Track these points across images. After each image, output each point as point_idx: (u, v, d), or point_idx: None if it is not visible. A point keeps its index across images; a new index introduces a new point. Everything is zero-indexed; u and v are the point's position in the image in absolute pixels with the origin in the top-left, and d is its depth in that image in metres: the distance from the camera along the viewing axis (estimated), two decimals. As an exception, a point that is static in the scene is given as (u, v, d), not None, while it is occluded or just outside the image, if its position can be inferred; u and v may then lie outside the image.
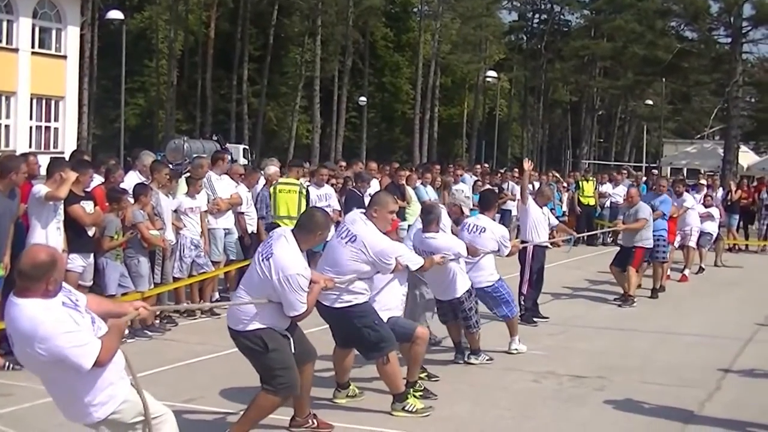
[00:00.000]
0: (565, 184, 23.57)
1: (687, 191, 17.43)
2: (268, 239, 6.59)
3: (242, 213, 12.77)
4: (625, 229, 13.88)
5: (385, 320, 7.35)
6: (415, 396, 7.63)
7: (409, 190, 15.69)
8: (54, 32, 37.36)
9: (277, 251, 6.31)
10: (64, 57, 37.32)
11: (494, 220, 10.55)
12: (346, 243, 7.10)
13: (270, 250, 6.36)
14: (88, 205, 9.69)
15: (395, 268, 7.28)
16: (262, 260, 6.35)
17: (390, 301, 7.66)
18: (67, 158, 11.69)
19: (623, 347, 10.65)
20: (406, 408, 7.40)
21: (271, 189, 13.05)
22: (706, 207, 18.45)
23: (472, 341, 9.39)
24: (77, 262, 9.57)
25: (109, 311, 5.12)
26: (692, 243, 16.88)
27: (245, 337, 6.36)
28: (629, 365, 9.62)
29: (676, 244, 16.53)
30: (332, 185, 14.77)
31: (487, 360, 9.39)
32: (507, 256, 10.10)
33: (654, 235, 13.93)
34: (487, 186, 19.19)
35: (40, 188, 9.01)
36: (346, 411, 7.54)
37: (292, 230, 6.54)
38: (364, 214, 7.30)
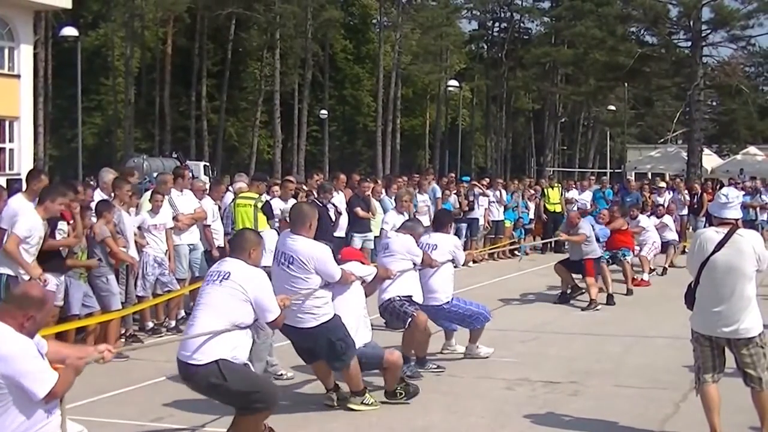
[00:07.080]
0: (532, 192, 23.58)
1: (652, 193, 17.53)
2: (209, 273, 6.50)
3: (208, 226, 12.60)
4: (566, 239, 14.54)
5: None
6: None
7: (374, 202, 15.65)
8: (6, 51, 36.57)
9: (233, 267, 6.34)
10: (18, 76, 36.57)
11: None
12: (288, 266, 7.31)
13: (223, 270, 6.34)
14: (63, 226, 9.52)
15: (344, 279, 7.56)
16: (221, 281, 6.26)
17: (349, 322, 7.67)
18: (23, 178, 11.52)
19: (595, 352, 10.60)
20: (364, 402, 7.72)
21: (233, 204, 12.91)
22: (659, 217, 18.58)
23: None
24: (52, 282, 9.28)
25: (67, 356, 5.07)
26: (645, 252, 16.99)
27: (205, 370, 6.09)
28: (602, 369, 9.58)
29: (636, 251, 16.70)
30: (296, 197, 14.63)
31: (434, 367, 9.37)
32: (463, 264, 10.18)
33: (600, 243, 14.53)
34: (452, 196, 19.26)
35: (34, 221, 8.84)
36: (308, 421, 7.48)
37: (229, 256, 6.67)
38: (292, 231, 7.52)
